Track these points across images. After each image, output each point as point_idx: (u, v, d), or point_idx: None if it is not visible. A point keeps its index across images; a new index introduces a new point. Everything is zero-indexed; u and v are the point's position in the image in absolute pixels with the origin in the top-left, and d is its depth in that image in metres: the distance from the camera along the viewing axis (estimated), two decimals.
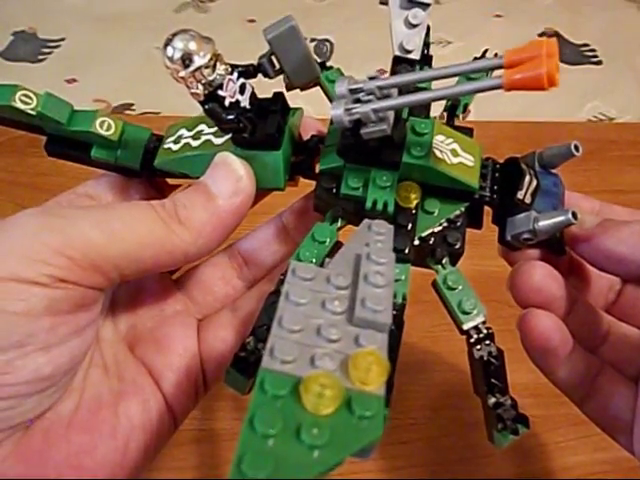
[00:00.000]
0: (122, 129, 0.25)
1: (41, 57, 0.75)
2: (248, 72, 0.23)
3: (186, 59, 0.20)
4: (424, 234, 0.23)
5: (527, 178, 0.23)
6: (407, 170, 0.23)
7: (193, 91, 0.21)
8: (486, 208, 0.25)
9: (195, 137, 0.25)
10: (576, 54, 0.78)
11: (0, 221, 0.19)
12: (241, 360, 0.21)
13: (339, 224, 0.24)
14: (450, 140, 0.24)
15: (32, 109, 0.22)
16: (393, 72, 0.25)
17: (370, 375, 0.15)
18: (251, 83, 0.23)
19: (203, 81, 0.21)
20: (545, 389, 0.40)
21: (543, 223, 0.22)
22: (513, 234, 0.23)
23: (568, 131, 0.61)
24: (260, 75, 0.24)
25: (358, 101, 0.20)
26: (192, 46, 0.20)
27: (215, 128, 0.24)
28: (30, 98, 0.22)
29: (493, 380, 0.22)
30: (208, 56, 0.20)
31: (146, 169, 0.25)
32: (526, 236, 0.23)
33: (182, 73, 0.20)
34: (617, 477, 0.37)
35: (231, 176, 0.22)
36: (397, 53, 0.25)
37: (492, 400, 0.22)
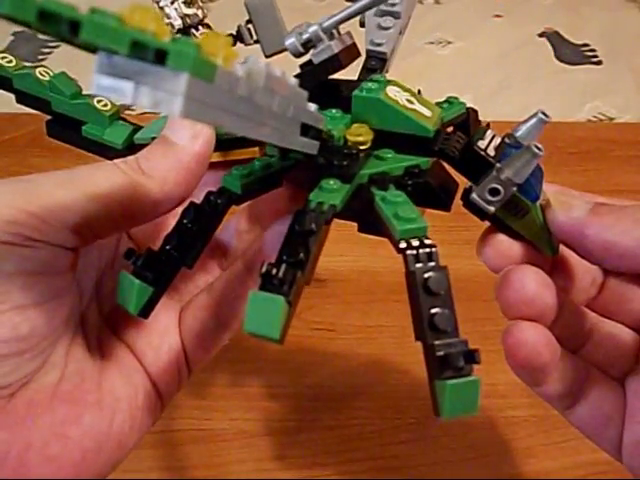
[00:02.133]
0: (117, 110, 0.27)
1: (41, 57, 0.75)
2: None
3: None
4: (375, 171, 0.22)
5: (489, 132, 0.21)
6: (359, 108, 0.22)
7: (170, 21, 0.23)
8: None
9: None
10: (576, 54, 0.78)
11: None
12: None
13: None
14: (407, 94, 0.23)
15: (46, 80, 0.27)
16: (364, 67, 0.25)
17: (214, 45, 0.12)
18: None
19: (179, 13, 0.23)
20: None
21: (507, 165, 0.19)
22: (479, 189, 0.20)
23: (568, 131, 0.61)
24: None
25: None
26: None
27: None
28: (47, 73, 0.27)
29: (435, 308, 0.17)
30: None
31: (128, 148, 0.27)
32: (492, 186, 0.19)
33: (162, 2, 0.23)
34: (617, 477, 0.37)
35: (188, 122, 0.22)
36: (368, 47, 0.25)
37: (434, 340, 0.17)
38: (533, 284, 0.20)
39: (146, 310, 0.21)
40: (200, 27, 0.24)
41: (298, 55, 0.22)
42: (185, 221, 0.22)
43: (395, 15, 0.25)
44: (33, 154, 0.56)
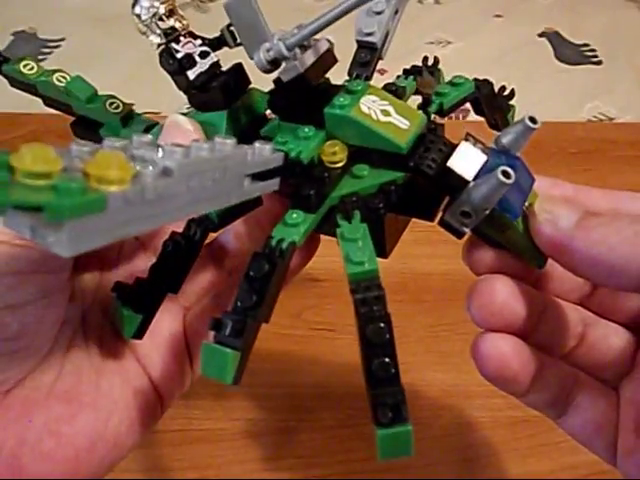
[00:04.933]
0: (128, 111, 0.28)
1: (41, 57, 0.75)
2: (212, 43, 0.24)
3: (147, 6, 0.23)
4: (346, 193, 0.21)
5: (463, 146, 0.20)
6: (331, 125, 0.21)
7: (150, 39, 0.24)
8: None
9: None
10: (576, 54, 0.78)
11: None
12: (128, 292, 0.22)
13: None
14: (385, 102, 0.22)
15: (63, 86, 0.27)
16: (354, 58, 0.24)
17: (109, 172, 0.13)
18: (217, 55, 0.25)
19: (157, 31, 0.23)
20: None
21: (474, 190, 0.18)
22: (450, 210, 0.19)
23: (568, 131, 0.61)
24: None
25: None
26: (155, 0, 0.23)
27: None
28: (65, 78, 0.28)
29: (374, 357, 0.17)
30: (165, 6, 0.23)
31: None
32: (463, 209, 0.18)
33: (144, 17, 0.23)
34: (617, 477, 0.37)
35: (179, 131, 0.23)
36: (357, 37, 0.24)
37: (372, 389, 0.17)
38: (502, 295, 0.20)
39: (139, 333, 0.22)
40: (182, 38, 0.23)
41: (267, 72, 0.21)
42: (167, 251, 0.23)
43: None
44: None
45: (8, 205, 0.11)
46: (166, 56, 0.24)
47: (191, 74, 0.24)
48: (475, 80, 0.25)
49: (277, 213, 0.26)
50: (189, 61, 0.23)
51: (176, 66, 0.23)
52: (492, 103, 0.25)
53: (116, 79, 0.72)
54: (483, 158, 0.19)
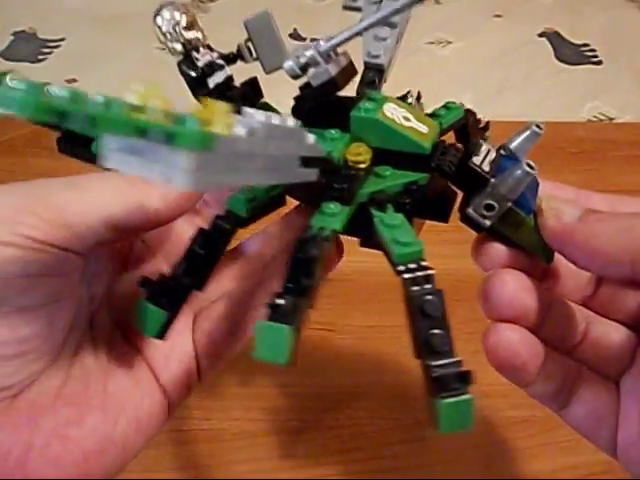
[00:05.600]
0: None
1: (41, 57, 0.75)
2: (228, 57, 0.25)
3: (170, 18, 0.24)
4: (373, 190, 0.22)
5: (484, 147, 0.22)
6: (357, 128, 0.23)
7: (171, 46, 0.24)
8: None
9: None
10: (576, 54, 0.78)
11: None
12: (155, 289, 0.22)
13: None
14: (404, 110, 0.23)
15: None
16: (362, 79, 0.25)
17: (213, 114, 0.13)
18: (230, 69, 0.26)
19: (181, 40, 0.24)
20: None
21: (501, 182, 0.20)
22: (474, 204, 0.21)
23: (568, 131, 0.61)
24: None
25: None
26: (176, 11, 0.24)
27: None
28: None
29: (431, 330, 0.18)
30: (186, 17, 0.24)
31: None
32: (487, 202, 0.20)
33: (164, 28, 0.24)
34: (617, 477, 0.37)
35: None
36: (365, 59, 0.25)
37: (430, 361, 0.18)
38: (512, 287, 0.21)
39: (162, 332, 0.22)
40: (201, 49, 0.25)
41: (296, 77, 0.23)
42: (194, 247, 0.22)
43: (392, 25, 0.25)
44: (33, 154, 0.56)
45: (135, 133, 0.12)
46: (187, 63, 0.24)
47: (210, 82, 0.25)
48: (465, 109, 0.27)
49: (295, 221, 0.26)
50: (210, 68, 0.25)
51: (199, 73, 0.24)
52: (475, 131, 0.28)
53: (116, 79, 0.72)
54: (498, 159, 0.21)
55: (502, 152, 0.22)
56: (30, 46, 0.77)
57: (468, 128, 0.27)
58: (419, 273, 0.19)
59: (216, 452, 0.38)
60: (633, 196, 0.24)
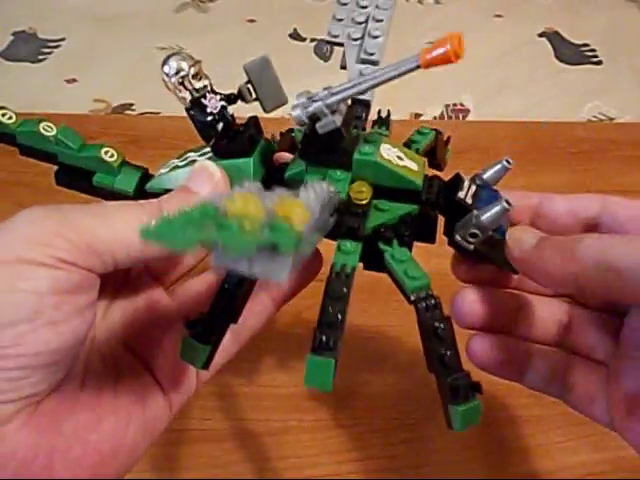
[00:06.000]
0: (123, 159, 0.29)
1: (41, 57, 0.75)
2: (229, 98, 0.27)
3: (178, 69, 0.26)
4: (377, 224, 0.25)
5: (466, 182, 0.26)
6: (358, 168, 0.26)
7: (181, 95, 0.26)
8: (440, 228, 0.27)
9: (182, 160, 0.29)
10: (576, 54, 0.78)
11: (3, 222, 0.22)
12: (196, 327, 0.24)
13: None
14: (396, 150, 0.26)
15: (52, 135, 0.28)
16: (349, 113, 0.27)
17: (293, 213, 0.16)
18: (231, 110, 0.28)
19: (189, 87, 0.26)
20: None
21: (484, 215, 0.24)
22: (460, 232, 0.24)
23: (568, 131, 0.61)
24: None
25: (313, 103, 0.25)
26: (183, 61, 0.26)
27: (200, 151, 0.28)
28: (51, 128, 0.28)
29: (444, 350, 0.22)
30: (194, 69, 0.26)
31: (138, 194, 0.29)
32: (472, 231, 0.24)
33: (173, 79, 0.26)
34: (617, 477, 0.37)
35: (208, 177, 0.26)
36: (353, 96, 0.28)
37: (445, 375, 0.22)
38: (469, 300, 0.26)
39: (207, 363, 0.24)
40: (207, 95, 0.27)
41: (302, 125, 0.25)
42: (227, 286, 0.24)
43: (374, 63, 0.28)
44: None
45: (247, 252, 0.15)
46: (198, 110, 0.27)
47: (219, 127, 0.27)
48: (434, 130, 0.31)
49: None
50: (219, 115, 0.27)
51: (211, 119, 0.27)
52: (441, 149, 0.32)
53: (116, 79, 0.72)
54: (477, 191, 0.26)
55: (477, 181, 0.26)
56: (30, 46, 0.77)
57: (436, 148, 0.31)
58: (429, 302, 0.23)
59: (216, 452, 0.38)
60: (635, 197, 0.25)
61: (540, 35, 0.81)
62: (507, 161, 0.26)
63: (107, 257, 0.22)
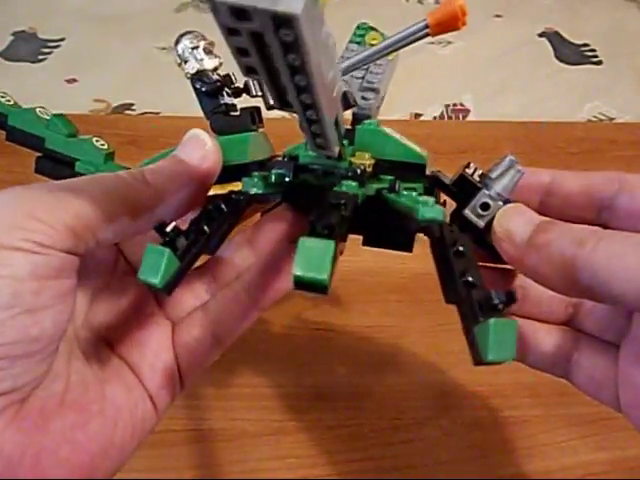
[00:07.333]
0: (112, 151, 0.29)
1: (41, 57, 0.75)
2: (237, 90, 0.28)
3: (189, 45, 0.28)
4: (379, 187, 0.25)
5: (472, 163, 0.24)
6: (361, 138, 0.25)
7: (191, 65, 0.27)
8: None
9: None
10: (576, 54, 0.78)
11: None
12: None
13: None
14: (396, 130, 0.26)
15: (46, 119, 0.29)
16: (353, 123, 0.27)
17: None
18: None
19: (197, 57, 0.27)
20: (545, 389, 0.40)
21: (496, 181, 0.22)
22: (471, 206, 0.23)
23: (568, 131, 0.61)
24: None
25: None
26: (195, 38, 0.28)
27: None
28: (47, 113, 0.29)
29: (467, 267, 0.20)
30: (203, 43, 0.27)
31: None
32: (484, 200, 0.23)
33: (185, 54, 0.27)
34: (617, 477, 0.37)
35: (199, 145, 0.25)
36: (354, 110, 0.28)
37: (469, 292, 0.19)
38: None
39: (171, 285, 0.20)
40: (227, 89, 0.28)
41: None
42: (210, 208, 0.23)
43: (376, 91, 0.28)
44: (33, 154, 0.56)
45: None
46: (202, 77, 0.27)
47: (221, 99, 0.27)
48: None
49: (278, 237, 0.28)
50: (223, 83, 0.28)
51: (214, 87, 0.27)
52: None
53: (116, 79, 0.72)
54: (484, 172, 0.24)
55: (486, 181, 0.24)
56: (30, 46, 0.77)
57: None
58: (444, 223, 0.21)
59: (216, 452, 0.38)
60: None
61: (540, 35, 0.81)
62: (513, 159, 0.24)
63: (84, 233, 0.21)
